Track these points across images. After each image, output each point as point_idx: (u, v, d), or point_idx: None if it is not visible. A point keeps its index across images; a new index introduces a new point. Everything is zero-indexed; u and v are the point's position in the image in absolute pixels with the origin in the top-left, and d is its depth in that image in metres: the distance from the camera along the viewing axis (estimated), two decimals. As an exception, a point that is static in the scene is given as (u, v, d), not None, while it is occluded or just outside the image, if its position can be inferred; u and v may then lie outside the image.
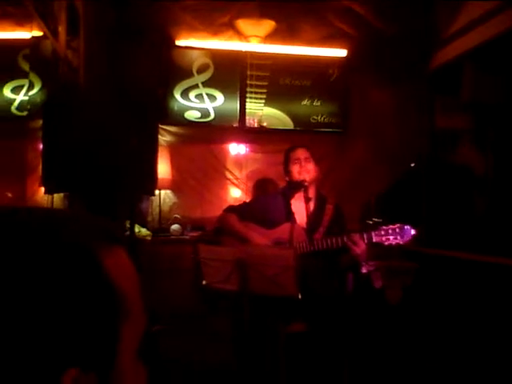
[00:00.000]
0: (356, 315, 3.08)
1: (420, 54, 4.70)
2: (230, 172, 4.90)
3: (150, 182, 3.99)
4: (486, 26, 3.90)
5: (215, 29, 4.86)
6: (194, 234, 4.39)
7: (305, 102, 4.99)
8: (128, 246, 0.56)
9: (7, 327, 0.45)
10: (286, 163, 3.16)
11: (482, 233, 3.52)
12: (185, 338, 3.61)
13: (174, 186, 4.73)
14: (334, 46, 4.98)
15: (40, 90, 4.71)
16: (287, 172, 3.16)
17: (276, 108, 4.96)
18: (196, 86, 4.89)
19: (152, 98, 4.57)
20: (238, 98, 4.91)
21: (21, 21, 4.59)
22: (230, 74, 4.93)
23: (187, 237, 4.39)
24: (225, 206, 3.41)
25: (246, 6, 4.74)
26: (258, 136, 4.91)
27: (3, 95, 4.75)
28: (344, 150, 4.89)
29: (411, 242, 2.89)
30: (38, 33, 4.48)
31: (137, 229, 4.01)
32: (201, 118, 4.89)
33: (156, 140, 4.19)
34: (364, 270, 3.26)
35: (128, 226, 3.85)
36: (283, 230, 3.08)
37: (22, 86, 4.73)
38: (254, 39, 4.88)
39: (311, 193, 3.13)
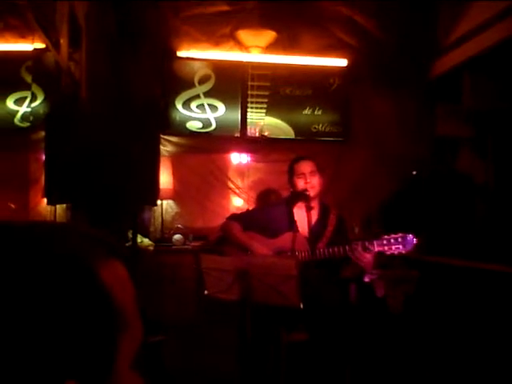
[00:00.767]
0: (358, 324, 3.07)
1: (420, 63, 4.73)
2: (232, 181, 4.91)
3: (152, 192, 3.99)
4: (485, 34, 3.93)
5: (216, 40, 4.89)
6: (196, 243, 4.39)
7: (306, 112, 5.01)
8: (126, 258, 0.57)
9: (4, 340, 0.46)
10: (291, 175, 3.16)
11: (482, 240, 3.52)
12: (186, 347, 3.61)
13: (176, 196, 4.74)
14: (335, 55, 5.01)
15: (42, 101, 4.74)
16: (291, 183, 3.16)
17: (277, 117, 4.98)
18: (197, 97, 4.92)
19: (154, 109, 4.59)
20: (240, 108, 4.94)
21: (23, 33, 4.63)
22: (231, 84, 4.96)
23: (189, 247, 4.39)
24: (227, 216, 3.42)
25: (246, 16, 4.77)
26: (260, 145, 4.92)
27: (6, 107, 4.78)
28: (345, 159, 4.90)
29: (413, 251, 2.88)
30: (40, 45, 4.52)
31: (139, 239, 4.02)
32: (202, 128, 4.91)
33: (158, 150, 4.19)
34: (366, 279, 3.26)
35: (130, 236, 3.86)
36: (285, 239, 3.08)
37: (24, 98, 4.76)
38: (254, 49, 4.90)
39: (314, 202, 3.13)
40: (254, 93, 4.95)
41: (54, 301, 0.47)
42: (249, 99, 4.94)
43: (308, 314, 2.81)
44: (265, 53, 4.92)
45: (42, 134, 4.36)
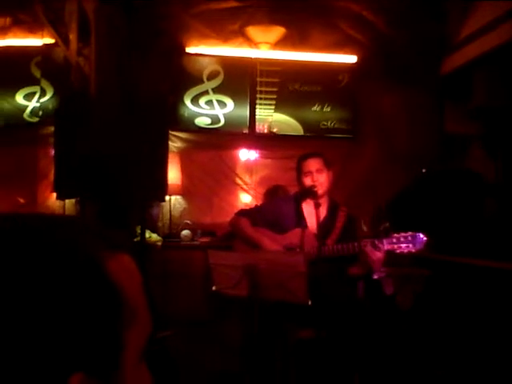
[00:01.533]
0: (366, 321, 3.07)
1: (430, 60, 4.70)
2: (240, 178, 4.91)
3: (161, 187, 4.00)
4: (496, 31, 3.90)
5: (225, 36, 4.88)
6: (204, 239, 4.39)
7: (315, 108, 5.00)
8: (133, 251, 0.57)
9: (11, 333, 0.45)
10: (299, 173, 3.15)
11: (492, 238, 3.49)
12: (194, 343, 3.61)
13: (185, 191, 4.74)
14: (344, 52, 4.98)
15: (52, 96, 4.76)
16: (299, 181, 3.16)
17: (286, 114, 4.97)
18: (206, 93, 4.92)
19: (162, 105, 4.59)
20: (248, 104, 4.93)
21: (33, 28, 4.64)
22: (240, 80, 4.95)
23: (197, 242, 4.39)
24: (235, 212, 3.42)
25: (255, 12, 4.76)
26: (268, 142, 4.92)
27: (16, 102, 4.79)
28: (354, 156, 4.88)
29: (423, 250, 2.87)
30: (49, 40, 4.53)
31: (147, 234, 4.03)
32: (211, 124, 4.91)
33: (166, 146, 4.21)
34: (375, 277, 3.25)
35: (139, 231, 3.87)
36: (294, 235, 3.08)
37: (34, 93, 4.78)
38: (263, 46, 4.89)
39: (323, 199, 3.13)
40: (263, 89, 4.94)
41: (61, 292, 0.47)
42: (257, 95, 4.93)
43: (316, 311, 2.81)
44: (274, 49, 4.91)
45: (51, 129, 4.38)
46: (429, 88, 4.75)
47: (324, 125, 5.00)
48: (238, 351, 3.17)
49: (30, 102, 4.79)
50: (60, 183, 4.08)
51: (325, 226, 3.08)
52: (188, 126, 4.87)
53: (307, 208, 3.15)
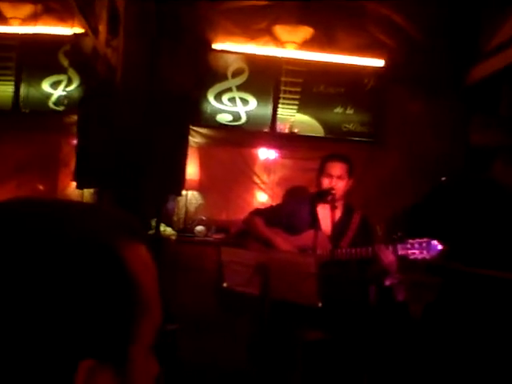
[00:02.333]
0: (377, 326, 3.03)
1: (458, 68, 4.63)
2: (258, 176, 4.89)
3: (178, 182, 4.02)
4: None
5: (252, 34, 4.88)
6: (218, 236, 4.39)
7: (337, 110, 4.96)
8: (150, 242, 0.57)
9: (23, 317, 0.46)
10: (320, 171, 3.15)
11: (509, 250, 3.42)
12: (202, 338, 3.62)
13: (201, 187, 4.75)
14: (371, 55, 4.93)
15: (78, 86, 4.81)
16: (317, 180, 3.15)
17: (308, 115, 4.94)
18: (230, 90, 4.92)
19: (186, 100, 4.61)
20: (271, 103, 4.91)
21: (63, 17, 4.70)
22: (265, 79, 4.94)
23: (211, 238, 4.40)
24: (250, 210, 3.42)
25: (283, 11, 4.75)
26: (288, 142, 4.89)
27: (42, 89, 4.86)
28: (375, 161, 4.82)
29: (438, 258, 2.82)
30: (79, 29, 4.58)
31: (162, 228, 4.05)
32: (232, 121, 4.91)
33: (186, 141, 4.22)
34: (387, 283, 3.21)
35: (154, 224, 3.89)
36: (308, 236, 3.07)
37: (60, 82, 4.83)
38: (290, 45, 4.88)
39: (338, 202, 3.11)
40: (287, 89, 4.92)
41: (74, 279, 0.47)
42: (281, 95, 4.91)
43: (326, 313, 2.79)
44: (300, 49, 4.89)
45: (75, 118, 4.44)
46: (455, 97, 4.68)
47: (346, 127, 4.96)
48: (245, 348, 3.16)
49: (55, 90, 4.85)
50: (80, 173, 4.13)
51: (339, 229, 3.07)
52: (209, 121, 4.88)
53: (322, 210, 3.14)
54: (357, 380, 2.93)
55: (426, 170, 4.58)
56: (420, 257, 2.74)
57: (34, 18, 4.76)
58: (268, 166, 4.92)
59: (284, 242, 3.09)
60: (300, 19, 4.73)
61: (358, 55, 4.93)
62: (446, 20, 4.61)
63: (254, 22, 4.81)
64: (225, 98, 4.91)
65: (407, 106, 4.86)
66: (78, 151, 4.17)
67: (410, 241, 2.77)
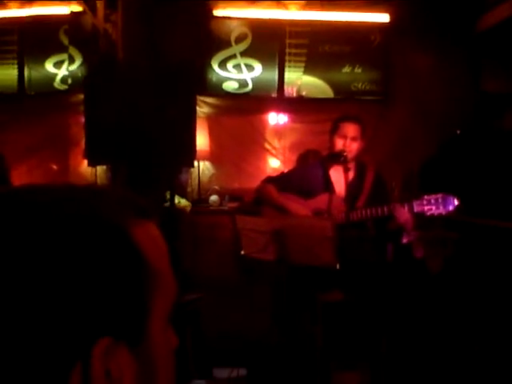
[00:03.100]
0: (395, 284, 3.05)
1: (466, 17, 4.50)
2: (269, 143, 4.86)
3: (189, 153, 4.01)
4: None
5: (253, -3, 4.78)
6: (233, 204, 4.40)
7: (345, 70, 4.87)
8: (159, 218, 0.57)
9: (36, 297, 0.46)
10: (333, 132, 3.10)
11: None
12: (223, 306, 3.67)
13: (213, 157, 4.74)
14: (376, 10, 4.81)
15: (81, 64, 4.77)
16: (330, 141, 3.11)
17: (315, 76, 4.86)
18: (234, 56, 4.85)
19: (190, 70, 4.56)
20: (277, 67, 4.84)
21: (61, -5, 4.64)
22: (269, 42, 4.85)
23: (225, 207, 4.41)
24: (263, 177, 3.41)
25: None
26: (297, 106, 4.83)
27: (46, 70, 4.84)
28: (386, 119, 4.76)
29: (454, 213, 2.80)
30: (76, 7, 4.52)
31: (176, 200, 4.07)
32: (239, 88, 4.85)
33: (194, 111, 4.19)
34: (404, 240, 3.21)
35: (168, 196, 3.91)
36: (322, 200, 3.06)
37: (63, 61, 4.81)
38: (292, 6, 4.78)
39: (351, 163, 3.08)
40: (292, 51, 4.83)
41: (85, 259, 0.48)
42: (286, 58, 4.83)
43: (344, 274, 2.80)
44: (303, 9, 4.78)
45: (81, 96, 4.42)
46: (465, 46, 4.56)
47: (355, 87, 4.87)
48: (266, 314, 3.20)
49: (59, 70, 4.83)
50: (91, 150, 4.14)
51: (353, 189, 3.05)
52: (215, 90, 4.83)
53: (335, 172, 3.11)
54: (376, 339, 2.96)
55: (438, 123, 4.51)
56: (436, 212, 2.72)
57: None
58: (278, 132, 4.88)
59: (298, 207, 3.08)
60: (301, -22, 4.61)
61: (362, 11, 4.81)
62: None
63: (255, -15, 4.71)
64: (229, 65, 4.84)
65: (416, 60, 4.76)
66: (87, 129, 4.17)
67: (426, 197, 2.75)
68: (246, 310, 3.59)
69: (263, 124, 4.89)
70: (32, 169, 4.60)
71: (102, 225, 0.50)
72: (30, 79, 4.83)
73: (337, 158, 3.05)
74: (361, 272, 2.94)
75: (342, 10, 4.81)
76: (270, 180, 3.29)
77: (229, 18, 4.84)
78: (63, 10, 4.69)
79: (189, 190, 4.70)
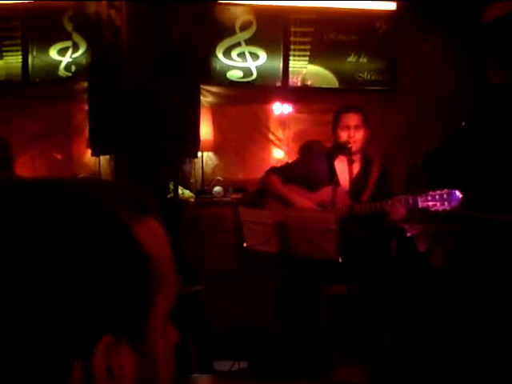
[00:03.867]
0: (398, 278, 3.05)
1: (473, 7, 4.43)
2: (273, 133, 4.83)
3: (193, 143, 3.99)
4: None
5: (259, -16, 4.72)
6: (236, 195, 4.39)
7: (350, 59, 4.82)
8: (161, 214, 0.57)
9: (37, 293, 0.46)
10: (335, 125, 3.09)
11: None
12: (226, 298, 3.68)
13: (217, 147, 4.71)
14: (383, -2, 4.75)
15: (85, 51, 4.74)
16: (334, 133, 3.10)
17: (320, 65, 4.82)
18: (238, 45, 4.80)
19: (194, 58, 4.52)
20: (282, 56, 4.80)
21: (64, -18, 4.59)
22: (273, 30, 4.80)
23: (229, 199, 4.40)
24: (267, 168, 3.40)
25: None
26: (302, 95, 4.79)
27: (50, 57, 4.81)
28: (391, 109, 4.72)
29: (458, 207, 2.80)
30: (80, -6, 4.48)
31: (180, 191, 4.06)
32: (243, 77, 4.81)
33: (198, 101, 4.16)
34: (408, 234, 3.20)
35: (172, 187, 3.90)
36: (326, 192, 3.05)
37: (67, 48, 4.77)
38: (298, -6, 4.71)
39: (356, 156, 3.07)
40: (297, 39, 4.78)
41: (87, 256, 0.48)
42: (291, 46, 4.78)
43: (347, 267, 2.81)
44: (309, -4, 4.72)
45: (85, 84, 4.39)
46: (471, 37, 4.50)
47: (360, 76, 4.83)
48: (269, 306, 3.21)
49: (63, 57, 4.80)
50: (95, 139, 4.12)
51: (358, 183, 3.04)
52: (220, 79, 4.79)
53: (340, 165, 3.10)
54: (379, 332, 2.97)
55: (444, 115, 4.47)
56: (441, 208, 2.71)
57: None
58: (282, 122, 4.85)
59: (302, 199, 3.08)
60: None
61: (368, -1, 4.75)
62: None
63: (260, -28, 4.65)
64: (234, 53, 4.80)
65: (422, 50, 4.71)
66: (91, 118, 4.15)
67: (431, 193, 2.74)
68: (249, 302, 3.60)
69: (267, 114, 4.85)
70: (35, 157, 4.59)
71: (105, 221, 0.50)
72: (33, 66, 4.80)
73: (341, 149, 3.04)
74: (363, 265, 2.94)
75: (348, -2, 4.75)
76: (274, 171, 3.28)
77: (233, 4, 4.79)
78: (67, -4, 4.65)
79: (192, 180, 4.69)
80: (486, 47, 4.48)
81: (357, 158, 3.10)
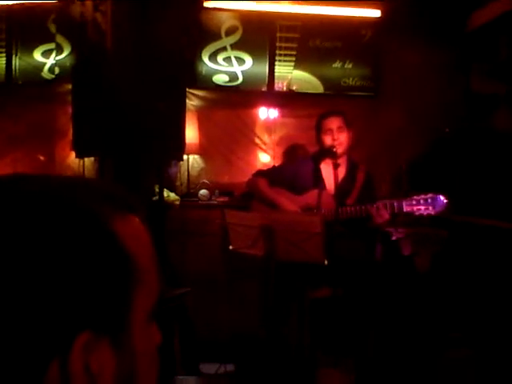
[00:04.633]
0: (383, 282, 3.06)
1: (456, 16, 4.51)
2: (259, 137, 4.84)
3: (178, 147, 3.99)
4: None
5: (245, -11, 4.74)
6: (222, 199, 4.39)
7: (336, 65, 4.86)
8: (145, 212, 0.56)
9: (15, 291, 0.45)
10: (318, 131, 3.12)
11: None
12: (211, 301, 3.67)
13: (202, 151, 4.71)
14: (368, 6, 4.80)
15: (69, 53, 4.70)
16: (318, 140, 3.12)
17: (306, 71, 4.85)
18: (224, 49, 4.81)
19: (180, 62, 4.52)
20: (267, 61, 4.82)
21: (50, -16, 4.57)
22: (259, 35, 4.82)
23: (215, 202, 4.39)
24: (253, 172, 3.40)
25: (276, -35, 4.59)
26: (287, 100, 4.82)
27: (34, 59, 4.77)
28: (376, 115, 4.76)
29: (443, 212, 2.82)
30: (65, -4, 4.45)
31: (166, 193, 4.04)
32: (229, 81, 4.82)
33: (184, 104, 4.16)
34: (393, 238, 3.22)
35: (157, 190, 3.88)
36: (312, 196, 3.06)
37: (52, 50, 4.74)
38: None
39: (342, 159, 3.09)
40: (283, 45, 4.81)
41: (65, 252, 0.47)
42: (277, 51, 4.81)
43: (332, 271, 2.81)
44: (294, 3, 4.75)
45: (69, 86, 4.36)
46: (455, 45, 4.58)
47: (345, 82, 4.87)
48: (254, 309, 3.20)
49: (48, 59, 4.76)
50: (78, 141, 4.09)
51: (343, 187, 3.06)
52: (205, 83, 4.79)
53: (326, 168, 3.12)
54: (364, 335, 2.98)
55: (428, 121, 4.52)
56: (426, 213, 2.73)
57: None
58: (268, 126, 4.86)
59: (288, 202, 3.08)
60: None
61: (353, 6, 4.80)
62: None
63: (246, -23, 4.67)
64: (220, 57, 4.81)
65: (406, 57, 4.77)
66: (74, 120, 4.12)
67: (415, 197, 2.76)
68: (234, 305, 3.59)
69: (253, 118, 4.86)
70: (17, 159, 4.54)
71: (85, 217, 0.49)
72: (17, 68, 4.76)
73: (328, 153, 3.05)
74: (349, 269, 2.95)
75: (334, 5, 4.79)
76: (261, 174, 3.28)
77: (219, 9, 4.80)
78: (52, -2, 4.62)
79: (178, 183, 4.67)
80: (469, 55, 4.56)
81: (342, 162, 3.12)
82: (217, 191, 4.52)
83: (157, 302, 0.55)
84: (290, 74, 4.83)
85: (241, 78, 4.81)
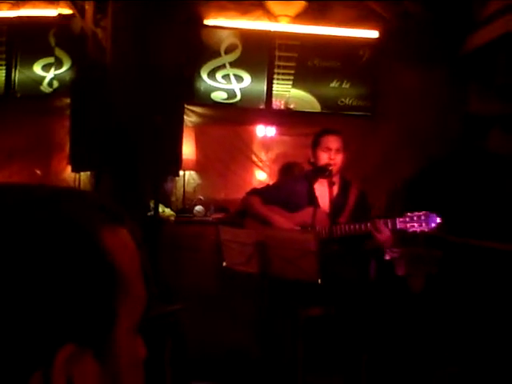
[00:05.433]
0: (377, 301, 3.05)
1: (453, 38, 4.56)
2: (255, 154, 4.86)
3: (175, 162, 4.00)
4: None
5: (245, 8, 4.79)
6: (217, 215, 4.38)
7: (333, 84, 4.90)
8: (133, 225, 0.56)
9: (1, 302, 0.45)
10: (315, 147, 3.12)
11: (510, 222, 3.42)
12: (205, 318, 3.64)
13: (199, 167, 4.72)
14: (366, 27, 4.86)
15: (69, 68, 4.74)
16: (314, 155, 3.13)
17: (303, 90, 4.89)
18: (223, 67, 4.85)
19: (179, 78, 4.55)
20: (266, 80, 4.85)
21: (51, -2, 4.62)
22: (258, 54, 4.87)
23: (210, 218, 4.39)
24: (249, 189, 3.41)
25: (276, -15, 4.65)
26: (285, 118, 4.85)
27: (34, 73, 4.80)
28: (372, 135, 4.79)
29: (436, 230, 2.83)
30: (65, 10, 4.50)
31: (161, 209, 4.04)
32: (227, 99, 4.85)
33: (181, 120, 4.19)
34: (387, 257, 3.22)
35: (152, 205, 3.88)
36: (306, 213, 3.06)
37: (52, 64, 4.77)
38: (283, 19, 4.79)
39: (335, 177, 3.10)
40: (281, 64, 4.85)
41: (48, 262, 0.46)
42: (275, 70, 4.85)
43: (326, 289, 2.80)
44: (293, 23, 4.81)
45: (68, 100, 4.39)
46: (451, 67, 4.62)
47: (342, 102, 4.90)
48: (248, 327, 3.18)
49: (47, 72, 4.79)
50: (75, 156, 4.10)
51: (337, 205, 3.06)
52: (204, 100, 4.82)
53: (320, 187, 3.13)
54: (357, 355, 2.96)
55: (423, 142, 4.55)
56: (419, 230, 2.74)
57: (20, 1, 4.67)
58: (265, 144, 4.88)
59: (282, 220, 3.08)
60: (293, -9, 4.64)
61: (352, 27, 4.86)
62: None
63: (246, -4, 4.73)
64: (218, 75, 4.85)
65: (403, 78, 4.81)
66: (72, 134, 4.14)
67: (409, 214, 2.77)
68: (228, 322, 3.56)
69: (250, 135, 4.89)
70: (14, 173, 4.54)
71: (68, 227, 0.49)
72: (17, 81, 4.78)
73: (322, 172, 3.06)
74: (342, 288, 2.94)
75: (332, 25, 4.85)
76: (256, 192, 3.29)
77: (219, 27, 4.85)
78: (52, 12, 4.66)
79: (173, 199, 4.67)
80: (465, 77, 4.60)
81: (336, 180, 3.13)
82: (212, 207, 4.52)
83: (143, 315, 0.54)
84: (287, 93, 4.87)
85: (239, 96, 4.85)
